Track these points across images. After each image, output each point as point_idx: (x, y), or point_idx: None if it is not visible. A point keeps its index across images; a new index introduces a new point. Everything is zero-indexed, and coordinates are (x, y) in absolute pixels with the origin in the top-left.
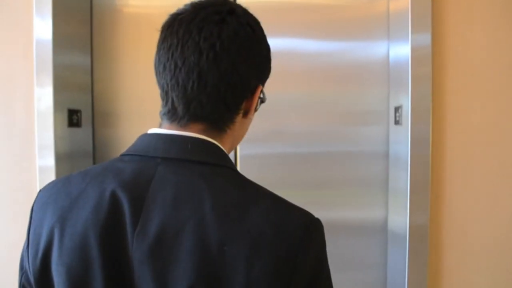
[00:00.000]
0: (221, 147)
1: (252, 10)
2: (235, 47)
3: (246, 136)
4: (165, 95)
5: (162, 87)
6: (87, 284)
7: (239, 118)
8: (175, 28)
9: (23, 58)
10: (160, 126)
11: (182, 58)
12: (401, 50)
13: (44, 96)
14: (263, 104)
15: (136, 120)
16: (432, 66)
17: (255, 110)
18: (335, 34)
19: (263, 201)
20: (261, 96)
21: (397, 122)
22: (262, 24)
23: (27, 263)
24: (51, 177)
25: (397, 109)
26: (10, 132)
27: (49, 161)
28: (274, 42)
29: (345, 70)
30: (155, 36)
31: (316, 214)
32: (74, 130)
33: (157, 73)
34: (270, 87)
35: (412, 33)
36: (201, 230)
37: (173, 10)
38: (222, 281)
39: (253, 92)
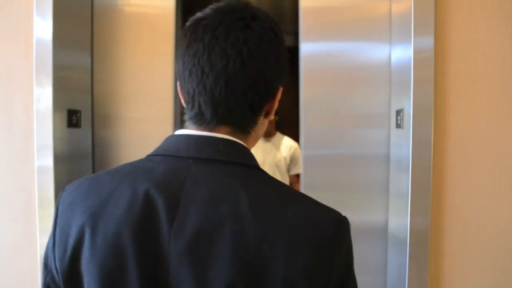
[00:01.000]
0: (248, 148)
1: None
2: (260, 52)
3: None
4: (191, 100)
5: (187, 92)
6: (122, 282)
7: (261, 119)
8: (200, 34)
9: (23, 58)
10: (184, 128)
11: (209, 64)
12: (403, 53)
13: (43, 97)
14: None
15: (136, 121)
16: (434, 69)
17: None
18: (337, 36)
19: (296, 200)
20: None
21: (398, 125)
22: None
23: (53, 262)
24: (49, 177)
25: (398, 112)
26: (9, 132)
27: (48, 161)
28: None
29: (346, 72)
30: (155, 36)
31: None
32: (74, 130)
33: (182, 79)
34: None
35: (414, 35)
36: (240, 227)
37: (173, 11)
38: (261, 278)
39: (275, 94)
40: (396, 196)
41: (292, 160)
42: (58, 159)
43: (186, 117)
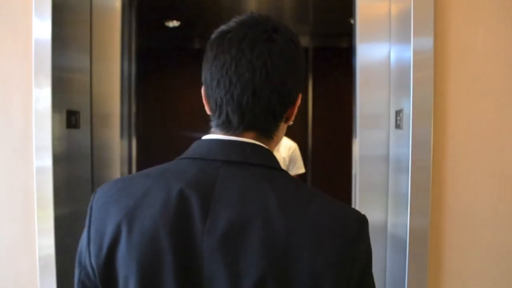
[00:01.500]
0: (272, 150)
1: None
2: (283, 63)
3: None
4: (218, 108)
5: (215, 101)
6: (158, 275)
7: (282, 124)
8: (226, 47)
9: (22, 58)
10: (210, 133)
11: (236, 75)
12: (403, 53)
13: (42, 97)
14: None
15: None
16: (434, 69)
17: None
18: None
19: (319, 199)
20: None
21: (398, 126)
22: None
23: (88, 259)
24: (48, 178)
25: (398, 112)
26: (7, 133)
27: (47, 162)
28: None
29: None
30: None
31: None
32: (72, 131)
33: (209, 88)
34: None
35: (414, 36)
36: (268, 223)
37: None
38: (289, 270)
39: (295, 101)
40: (395, 197)
41: (291, 161)
42: (57, 159)
43: (212, 124)
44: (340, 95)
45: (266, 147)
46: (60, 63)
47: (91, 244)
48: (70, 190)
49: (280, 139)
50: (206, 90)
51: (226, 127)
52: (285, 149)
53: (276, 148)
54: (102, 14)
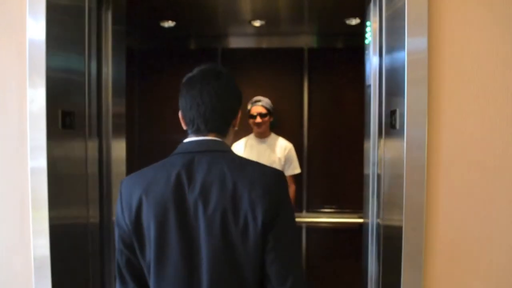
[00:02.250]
0: (226, 142)
1: None
2: (228, 92)
3: None
4: (191, 122)
5: (189, 118)
6: (167, 219)
7: (231, 128)
8: (194, 85)
9: (16, 59)
10: (188, 137)
11: (202, 101)
12: (397, 54)
13: (37, 98)
14: None
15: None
16: (428, 70)
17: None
18: None
19: (252, 163)
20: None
21: (392, 126)
22: None
23: (123, 220)
24: (43, 178)
25: (392, 113)
26: (2, 133)
27: (41, 162)
28: None
29: None
30: None
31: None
32: (68, 132)
33: (186, 110)
34: None
35: (408, 37)
36: (223, 181)
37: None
38: (237, 203)
39: (237, 115)
40: (390, 197)
41: (287, 161)
42: (52, 160)
43: (188, 132)
44: (336, 95)
45: (222, 140)
46: (55, 63)
47: (124, 210)
48: (65, 191)
49: (231, 137)
50: (183, 113)
51: (197, 132)
52: (281, 150)
53: (272, 148)
54: (97, 14)
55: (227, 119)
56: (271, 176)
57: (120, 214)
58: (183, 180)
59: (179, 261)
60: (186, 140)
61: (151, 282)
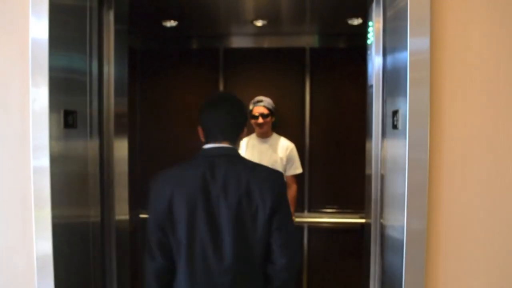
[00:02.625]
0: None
1: None
2: (239, 111)
3: None
4: (210, 132)
5: (209, 130)
6: (196, 207)
7: (239, 138)
8: (214, 107)
9: (19, 58)
10: (208, 144)
11: (220, 118)
12: (399, 54)
13: (39, 97)
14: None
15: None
16: (430, 70)
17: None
18: None
19: (259, 166)
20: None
21: (394, 126)
22: None
23: (158, 208)
24: (45, 178)
25: (394, 113)
26: (5, 133)
27: (44, 162)
28: None
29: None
30: None
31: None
32: (70, 131)
33: (206, 124)
34: None
35: (410, 37)
36: (239, 178)
37: None
38: (251, 194)
39: (243, 128)
40: (392, 198)
41: (289, 161)
42: (54, 159)
43: (206, 141)
44: (338, 95)
45: (234, 147)
46: (57, 62)
47: (159, 200)
48: (68, 190)
49: (239, 146)
50: (203, 126)
51: (214, 140)
52: (283, 150)
53: (273, 148)
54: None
55: (237, 132)
56: (275, 176)
57: (155, 203)
58: (207, 177)
59: (205, 238)
60: (206, 146)
61: (183, 256)
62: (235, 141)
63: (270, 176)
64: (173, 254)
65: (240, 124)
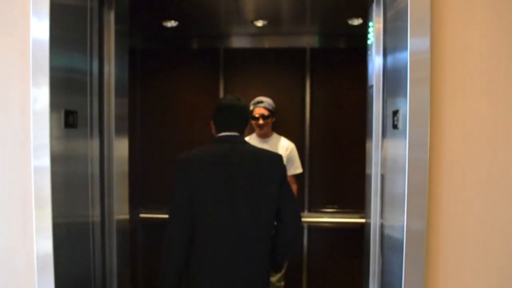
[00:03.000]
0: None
1: None
2: (244, 109)
3: None
4: (223, 124)
5: (222, 122)
6: (218, 179)
7: (245, 129)
8: (225, 107)
9: (20, 58)
10: (220, 133)
11: (231, 114)
12: (400, 54)
13: (40, 97)
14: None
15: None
16: (430, 70)
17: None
18: None
19: (264, 150)
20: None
21: (395, 127)
22: None
23: (185, 180)
24: (46, 177)
25: (395, 113)
26: (5, 133)
27: (45, 161)
28: None
29: None
30: None
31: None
32: (70, 131)
33: (219, 119)
34: None
35: (410, 37)
36: (247, 158)
37: None
38: (260, 170)
39: (248, 122)
40: (392, 198)
41: (289, 161)
42: (55, 159)
43: (217, 132)
44: (338, 96)
45: (240, 135)
46: (58, 62)
47: (186, 173)
48: (68, 190)
49: (246, 133)
50: (215, 123)
51: (226, 129)
52: (283, 149)
53: (274, 148)
54: (100, 13)
55: (244, 125)
56: (279, 157)
57: (183, 176)
58: (227, 155)
59: (225, 204)
60: (220, 134)
61: (206, 220)
62: (242, 132)
63: (276, 156)
64: (197, 224)
65: (246, 119)
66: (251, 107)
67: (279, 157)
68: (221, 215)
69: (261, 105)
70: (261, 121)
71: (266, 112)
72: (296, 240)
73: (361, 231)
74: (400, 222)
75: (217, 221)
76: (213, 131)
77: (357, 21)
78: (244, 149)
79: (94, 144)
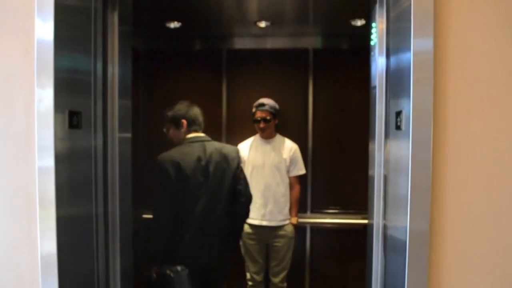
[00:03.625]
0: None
1: None
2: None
3: None
4: (192, 127)
5: (191, 125)
6: (196, 172)
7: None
8: (195, 112)
9: (24, 59)
10: (191, 133)
11: (199, 118)
12: (403, 55)
13: (44, 97)
14: None
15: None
16: (433, 71)
17: None
18: None
19: (225, 145)
20: None
21: (398, 127)
22: None
23: (171, 175)
24: (50, 178)
25: (398, 114)
26: (10, 133)
27: (49, 162)
28: None
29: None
30: None
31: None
32: (74, 131)
33: (190, 121)
34: None
35: (414, 37)
36: (217, 152)
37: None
38: (224, 160)
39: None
40: (395, 198)
41: (292, 162)
42: (59, 160)
43: (190, 132)
44: (341, 96)
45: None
46: (62, 63)
47: (171, 169)
48: (72, 190)
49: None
50: (187, 122)
51: (195, 131)
52: (286, 151)
53: (277, 150)
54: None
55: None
56: (235, 151)
57: (168, 172)
58: (201, 153)
59: (202, 193)
60: (192, 135)
61: (187, 206)
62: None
63: (234, 150)
64: (181, 207)
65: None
66: (253, 110)
67: (237, 150)
68: (200, 201)
69: (263, 108)
70: (262, 125)
71: (268, 116)
72: (247, 202)
73: (364, 232)
74: (403, 223)
75: (199, 206)
76: (182, 134)
77: (360, 22)
78: (214, 149)
79: (98, 145)
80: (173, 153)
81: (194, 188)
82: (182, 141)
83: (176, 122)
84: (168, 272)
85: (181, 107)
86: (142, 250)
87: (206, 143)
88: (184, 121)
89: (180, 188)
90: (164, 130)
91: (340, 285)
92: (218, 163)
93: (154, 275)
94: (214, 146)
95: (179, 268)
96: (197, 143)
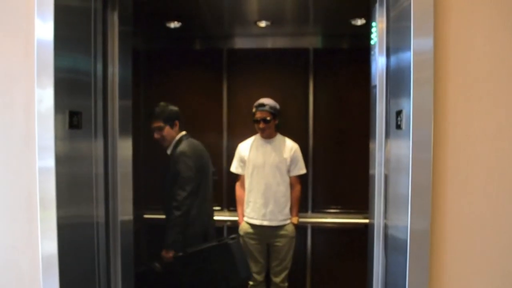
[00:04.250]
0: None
1: None
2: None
3: None
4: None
5: (181, 125)
6: (205, 172)
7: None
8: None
9: (24, 59)
10: (181, 131)
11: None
12: (403, 55)
13: (45, 98)
14: None
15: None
16: (434, 70)
17: None
18: None
19: (199, 143)
20: None
21: (398, 127)
22: None
23: (194, 169)
24: (51, 178)
25: (398, 113)
26: (10, 133)
27: (49, 162)
28: None
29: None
30: None
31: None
32: (75, 132)
33: (179, 121)
34: None
35: (414, 37)
36: (198, 150)
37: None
38: (207, 155)
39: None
40: (396, 198)
41: (293, 161)
42: (60, 160)
43: (181, 129)
44: (341, 96)
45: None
46: (63, 63)
47: (197, 165)
48: (73, 190)
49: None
50: (178, 121)
51: (181, 129)
52: (287, 150)
53: (278, 149)
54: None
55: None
56: (204, 149)
57: (195, 164)
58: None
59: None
60: (184, 133)
61: (202, 192)
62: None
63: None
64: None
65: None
66: (253, 110)
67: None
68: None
69: (263, 109)
70: (261, 125)
71: (268, 116)
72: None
73: (365, 231)
74: (404, 222)
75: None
76: (175, 133)
77: (360, 22)
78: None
79: (98, 145)
80: (193, 148)
81: (208, 179)
82: (173, 139)
83: (171, 121)
84: (227, 241)
85: (172, 108)
86: (155, 242)
87: (192, 139)
88: (177, 121)
89: (202, 179)
90: (156, 130)
91: (341, 284)
92: (208, 158)
93: (157, 265)
94: (197, 142)
95: (232, 236)
96: (190, 139)
